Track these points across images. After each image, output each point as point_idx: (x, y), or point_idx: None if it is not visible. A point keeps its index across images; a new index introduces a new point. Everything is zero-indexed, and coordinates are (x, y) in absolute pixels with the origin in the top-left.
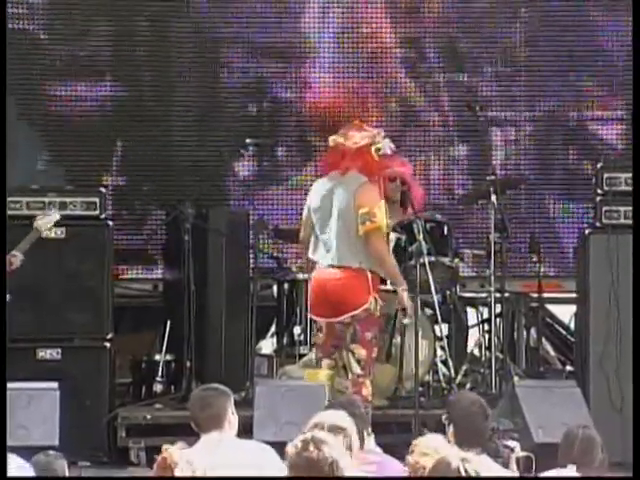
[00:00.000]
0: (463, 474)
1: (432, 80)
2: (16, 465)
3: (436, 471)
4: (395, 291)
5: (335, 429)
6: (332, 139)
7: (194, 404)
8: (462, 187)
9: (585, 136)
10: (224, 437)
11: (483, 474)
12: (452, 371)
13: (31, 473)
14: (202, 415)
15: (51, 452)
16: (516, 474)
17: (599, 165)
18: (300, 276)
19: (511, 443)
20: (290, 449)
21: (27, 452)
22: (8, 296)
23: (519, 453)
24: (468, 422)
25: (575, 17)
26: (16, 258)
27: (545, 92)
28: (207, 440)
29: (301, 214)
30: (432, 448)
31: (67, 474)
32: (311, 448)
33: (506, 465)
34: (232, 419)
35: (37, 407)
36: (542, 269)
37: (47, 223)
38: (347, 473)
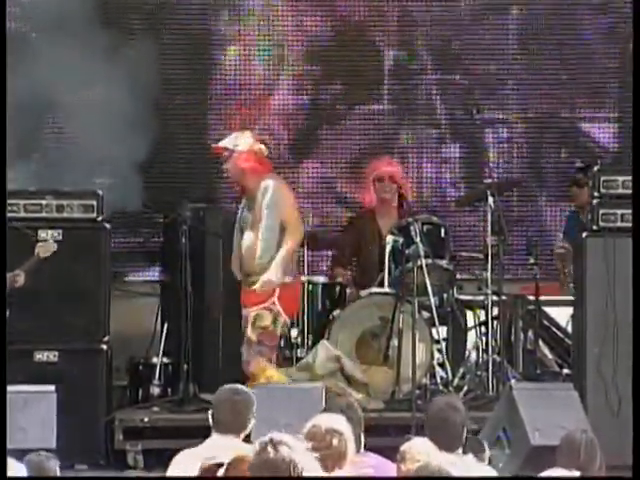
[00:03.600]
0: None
1: (425, 81)
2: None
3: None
4: (390, 294)
5: (332, 432)
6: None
7: (222, 406)
8: (458, 189)
9: (578, 137)
10: (235, 442)
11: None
12: (449, 374)
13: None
14: (227, 418)
15: (43, 452)
16: None
17: (596, 168)
18: None
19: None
20: (249, 450)
21: (24, 455)
22: (8, 312)
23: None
24: (442, 426)
25: (567, 17)
26: (21, 277)
27: (537, 93)
28: (219, 441)
29: (297, 215)
30: (424, 454)
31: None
32: (269, 449)
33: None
34: (249, 425)
35: (34, 410)
36: (539, 271)
37: (46, 251)
38: (311, 474)
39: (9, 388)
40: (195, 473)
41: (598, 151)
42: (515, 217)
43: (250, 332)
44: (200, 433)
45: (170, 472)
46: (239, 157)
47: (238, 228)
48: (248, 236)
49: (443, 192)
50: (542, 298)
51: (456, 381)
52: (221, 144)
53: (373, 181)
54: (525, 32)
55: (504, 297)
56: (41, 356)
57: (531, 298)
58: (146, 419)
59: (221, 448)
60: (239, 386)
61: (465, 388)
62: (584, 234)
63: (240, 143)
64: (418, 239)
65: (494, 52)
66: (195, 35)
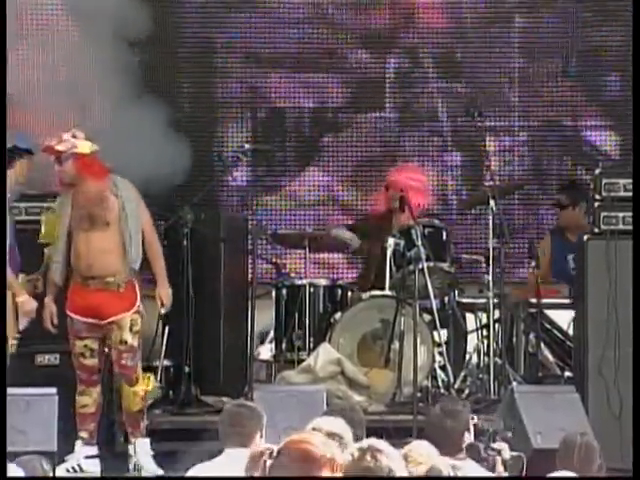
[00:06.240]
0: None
1: (427, 89)
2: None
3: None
4: (391, 297)
5: (331, 436)
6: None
7: (225, 418)
8: (459, 193)
9: (580, 143)
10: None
11: None
12: (451, 377)
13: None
14: (230, 431)
15: (34, 456)
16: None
17: (597, 171)
18: (298, 282)
19: (499, 445)
20: (346, 457)
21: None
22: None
23: (507, 455)
24: (440, 434)
25: (570, 25)
26: (39, 282)
27: (540, 100)
28: (231, 454)
29: (299, 219)
30: (425, 456)
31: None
32: (367, 457)
33: (492, 468)
34: (258, 442)
35: (35, 412)
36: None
37: None
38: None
39: (11, 391)
40: None
41: (600, 157)
42: (518, 221)
43: (131, 339)
44: (202, 435)
45: None
46: (81, 159)
47: (66, 226)
48: (98, 236)
49: (445, 196)
50: (543, 301)
51: (458, 384)
52: (58, 147)
53: (384, 188)
54: (528, 41)
55: (505, 300)
56: (42, 359)
57: (532, 301)
58: (147, 421)
59: (230, 461)
60: (241, 401)
61: (467, 391)
62: (585, 236)
63: (79, 145)
64: (419, 242)
65: (497, 60)
66: (197, 42)
